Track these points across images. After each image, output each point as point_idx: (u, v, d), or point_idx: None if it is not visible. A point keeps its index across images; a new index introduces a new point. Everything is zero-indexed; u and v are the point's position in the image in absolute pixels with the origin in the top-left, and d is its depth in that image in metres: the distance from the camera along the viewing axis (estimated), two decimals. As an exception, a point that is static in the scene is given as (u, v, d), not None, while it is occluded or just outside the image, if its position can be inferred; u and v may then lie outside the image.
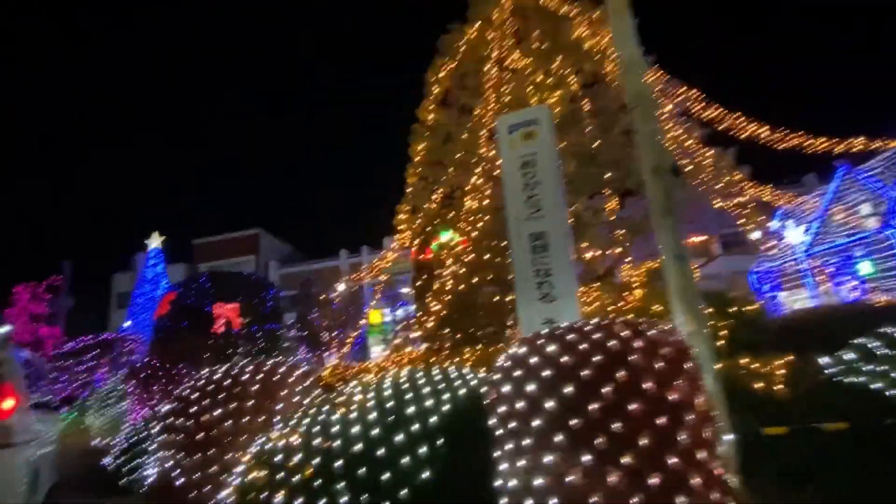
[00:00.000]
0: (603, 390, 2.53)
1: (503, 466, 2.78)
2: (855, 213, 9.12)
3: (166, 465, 4.09)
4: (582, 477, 2.43)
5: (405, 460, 2.81)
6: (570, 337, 2.89)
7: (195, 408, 4.19)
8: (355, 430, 3.01)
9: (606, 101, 9.64)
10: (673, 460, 2.38)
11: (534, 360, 2.87)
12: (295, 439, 3.11)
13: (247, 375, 4.43)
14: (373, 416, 3.12)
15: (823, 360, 3.64)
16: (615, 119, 9.06)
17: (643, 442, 2.39)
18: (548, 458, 2.54)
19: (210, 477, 3.95)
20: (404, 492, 2.69)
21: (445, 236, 6.87)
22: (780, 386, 3.75)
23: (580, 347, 2.76)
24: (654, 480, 2.33)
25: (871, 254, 9.98)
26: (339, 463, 2.80)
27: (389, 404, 3.22)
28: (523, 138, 4.58)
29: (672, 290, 3.14)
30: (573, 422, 2.51)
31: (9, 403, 3.96)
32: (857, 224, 8.98)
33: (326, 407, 3.48)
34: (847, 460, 2.58)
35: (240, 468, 3.42)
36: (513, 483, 2.69)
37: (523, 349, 3.06)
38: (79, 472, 6.75)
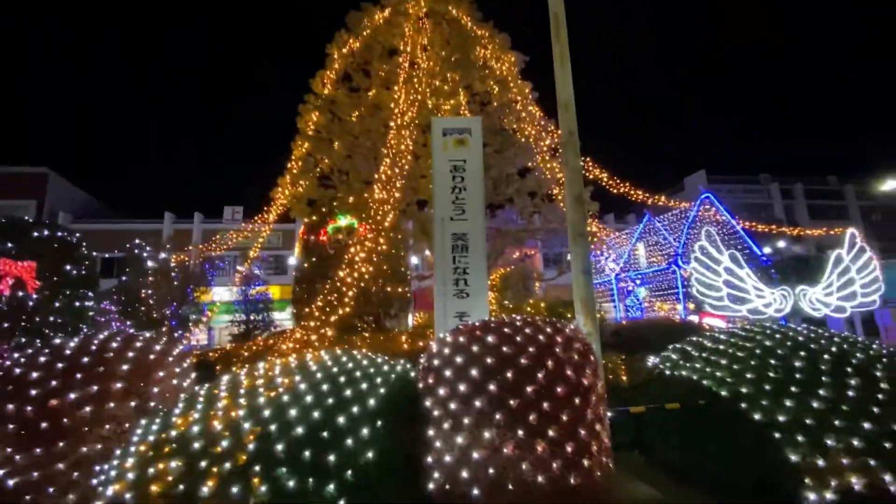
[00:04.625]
0: (538, 375, 3.01)
1: (438, 444, 3.04)
2: (652, 250, 12.05)
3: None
4: (514, 448, 2.86)
5: (349, 442, 2.83)
6: (507, 330, 3.32)
7: (37, 390, 3.30)
8: (293, 412, 2.88)
9: (494, 121, 10.67)
10: (583, 432, 2.99)
11: (476, 348, 3.21)
12: (216, 424, 2.80)
13: (113, 352, 3.67)
14: (309, 398, 3.02)
15: (652, 359, 4.88)
16: (503, 139, 10.11)
17: (564, 418, 2.95)
18: (487, 434, 2.89)
19: (56, 476, 3.18)
20: (349, 473, 2.71)
21: (343, 221, 6.70)
22: (624, 377, 4.89)
23: (517, 339, 3.21)
24: (569, 448, 2.90)
25: (650, 282, 13.29)
26: (279, 447, 2.65)
27: (325, 387, 3.16)
28: (455, 144, 4.91)
29: (577, 298, 3.85)
30: (512, 402, 2.93)
31: None
32: (652, 259, 11.87)
33: (242, 389, 3.19)
34: (676, 430, 3.64)
35: (120, 461, 2.88)
36: (448, 458, 2.96)
37: (463, 338, 3.37)
38: None
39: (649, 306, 12.59)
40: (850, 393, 2.98)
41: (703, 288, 8.09)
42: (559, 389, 3.01)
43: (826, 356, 3.42)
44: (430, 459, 3.04)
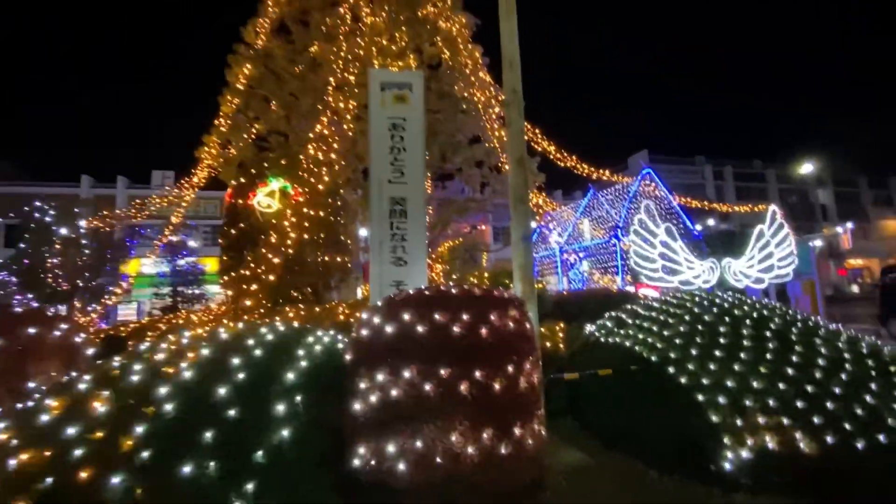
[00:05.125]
0: (471, 343, 2.86)
1: (364, 419, 2.83)
2: (595, 224, 12.35)
3: None
4: (444, 420, 2.72)
5: (261, 420, 2.55)
6: (441, 297, 3.13)
7: None
8: (196, 390, 2.54)
9: (444, 86, 10.24)
10: (515, 401, 2.89)
11: (407, 316, 2.99)
12: (99, 406, 2.41)
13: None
14: (217, 374, 2.69)
15: (588, 326, 4.93)
16: (452, 105, 9.75)
17: (497, 386, 2.83)
18: (416, 407, 2.72)
19: None
20: (260, 454, 2.45)
21: (275, 184, 6.16)
22: (562, 345, 4.91)
23: (451, 306, 3.03)
24: (501, 418, 2.80)
25: (592, 255, 13.72)
26: (176, 429, 2.33)
27: (236, 360, 2.83)
28: (395, 100, 4.54)
29: (515, 264, 3.73)
30: (443, 372, 2.76)
31: None
32: (595, 233, 12.18)
33: (139, 366, 2.80)
34: (608, 395, 3.67)
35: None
36: (375, 433, 2.77)
37: (394, 307, 3.14)
38: None
39: (591, 278, 13.02)
40: (768, 356, 3.09)
41: (640, 260, 8.36)
42: (492, 357, 2.88)
43: (748, 321, 3.54)
44: (355, 435, 2.84)
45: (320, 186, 5.68)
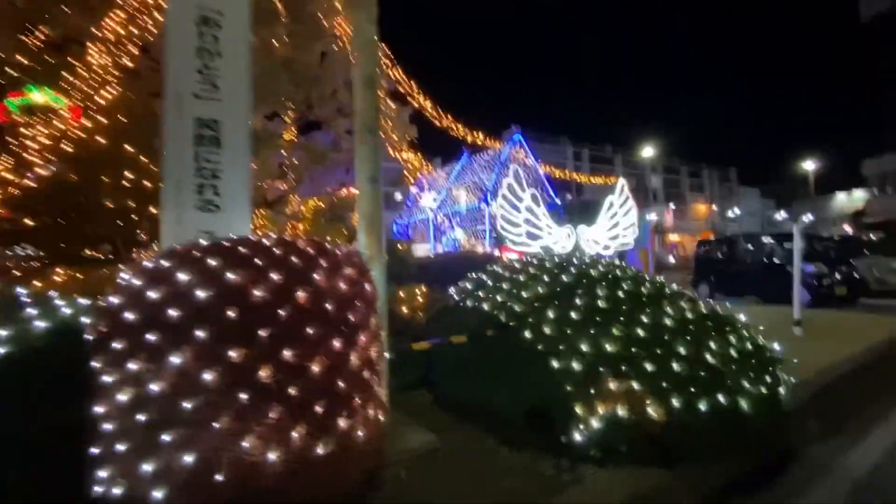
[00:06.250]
0: (279, 313, 2.07)
1: (109, 426, 1.91)
2: (468, 188, 12.23)
3: None
4: (233, 420, 1.93)
5: None
6: (243, 250, 2.25)
7: None
8: None
9: (309, 10, 8.71)
10: (341, 384, 2.23)
11: (184, 276, 2.06)
12: None
13: None
14: None
15: (450, 289, 4.51)
16: (317, 33, 8.32)
17: (315, 368, 2.12)
18: (187, 405, 1.87)
19: None
20: None
21: (39, 95, 4.33)
22: (421, 311, 4.41)
23: (256, 262, 2.18)
24: (319, 408, 2.11)
25: (464, 221, 13.75)
26: None
27: None
28: (207, -15, 3.32)
29: (360, 212, 3.01)
30: (233, 354, 1.95)
31: None
32: (468, 198, 12.07)
33: None
34: (464, 364, 3.26)
35: None
36: (124, 446, 1.87)
37: (168, 263, 2.17)
38: None
39: (462, 244, 13.02)
40: (621, 318, 2.93)
41: (506, 224, 8.36)
42: (311, 330, 2.16)
43: (603, 283, 3.40)
44: (95, 450, 1.90)
45: (99, 98, 4.08)
